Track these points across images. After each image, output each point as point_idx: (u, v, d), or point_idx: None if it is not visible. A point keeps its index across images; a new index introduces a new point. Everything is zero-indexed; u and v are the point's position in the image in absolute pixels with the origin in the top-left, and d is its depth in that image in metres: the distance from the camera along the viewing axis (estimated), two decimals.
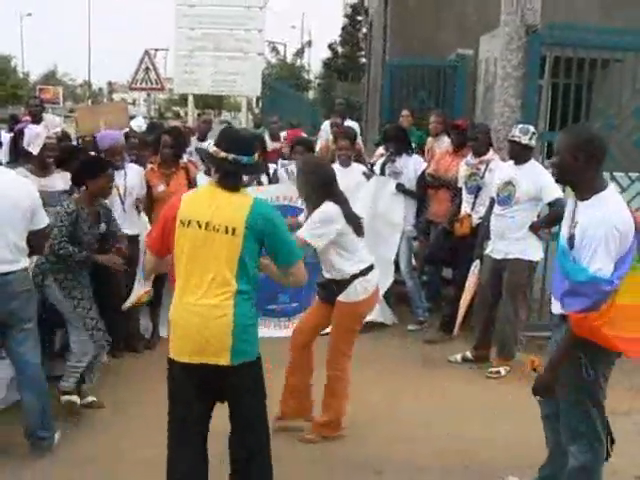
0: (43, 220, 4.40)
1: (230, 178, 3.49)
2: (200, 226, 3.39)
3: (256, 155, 3.59)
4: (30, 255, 4.44)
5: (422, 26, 12.85)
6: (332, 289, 4.60)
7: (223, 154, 3.45)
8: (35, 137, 5.02)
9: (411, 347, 6.42)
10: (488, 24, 8.45)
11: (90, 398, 5.16)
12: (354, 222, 4.56)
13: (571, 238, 3.33)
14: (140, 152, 7.07)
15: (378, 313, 7.16)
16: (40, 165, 5.41)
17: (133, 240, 5.98)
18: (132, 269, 5.91)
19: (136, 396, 5.30)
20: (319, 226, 4.42)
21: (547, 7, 6.94)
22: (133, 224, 6.13)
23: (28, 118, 10.11)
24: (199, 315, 3.37)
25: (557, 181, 4.42)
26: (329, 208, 4.46)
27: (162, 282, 6.23)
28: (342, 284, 4.55)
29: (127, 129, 8.10)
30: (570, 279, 3.31)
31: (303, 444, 4.63)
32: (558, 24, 6.99)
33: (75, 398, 4.98)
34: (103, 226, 5.17)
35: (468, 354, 6.23)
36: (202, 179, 6.56)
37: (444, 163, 7.18)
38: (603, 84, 7.33)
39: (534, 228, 5.79)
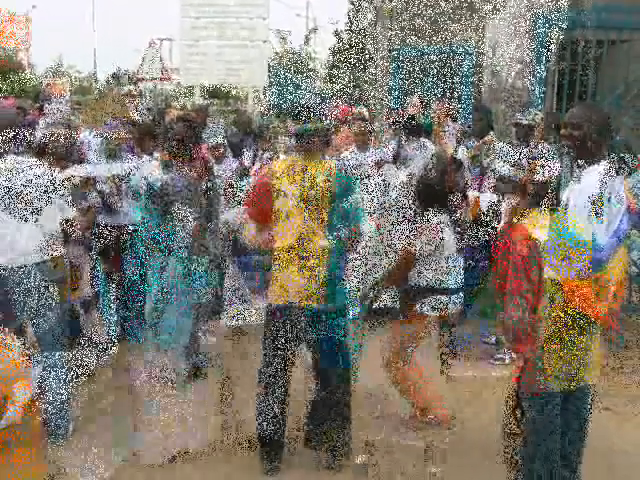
0: (69, 209, 4.50)
1: (307, 144, 4.01)
2: (291, 194, 3.94)
3: (328, 120, 4.12)
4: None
5: (428, 11, 12.80)
6: None
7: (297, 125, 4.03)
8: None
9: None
10: (494, 8, 8.41)
11: None
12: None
13: (567, 204, 3.50)
14: (141, 142, 6.94)
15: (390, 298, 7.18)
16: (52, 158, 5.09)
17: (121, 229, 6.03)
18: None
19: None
20: None
21: None
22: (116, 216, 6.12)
23: (37, 112, 10.16)
24: (296, 268, 3.94)
25: (569, 153, 4.40)
26: None
27: None
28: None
29: (134, 119, 8.08)
30: (562, 243, 3.42)
31: None
32: (563, 6, 6.96)
33: None
34: None
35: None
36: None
37: None
38: (609, 65, 7.29)
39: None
